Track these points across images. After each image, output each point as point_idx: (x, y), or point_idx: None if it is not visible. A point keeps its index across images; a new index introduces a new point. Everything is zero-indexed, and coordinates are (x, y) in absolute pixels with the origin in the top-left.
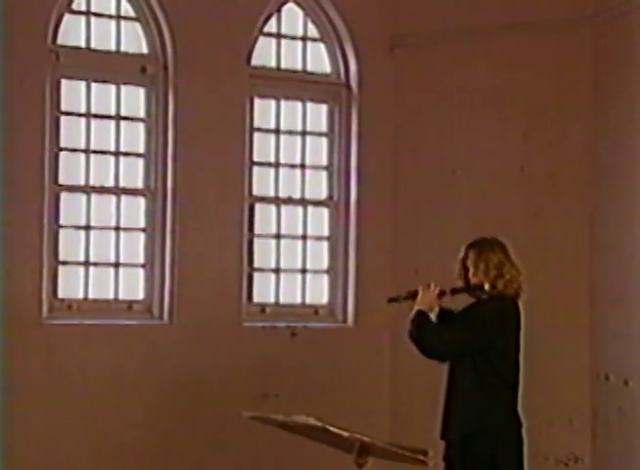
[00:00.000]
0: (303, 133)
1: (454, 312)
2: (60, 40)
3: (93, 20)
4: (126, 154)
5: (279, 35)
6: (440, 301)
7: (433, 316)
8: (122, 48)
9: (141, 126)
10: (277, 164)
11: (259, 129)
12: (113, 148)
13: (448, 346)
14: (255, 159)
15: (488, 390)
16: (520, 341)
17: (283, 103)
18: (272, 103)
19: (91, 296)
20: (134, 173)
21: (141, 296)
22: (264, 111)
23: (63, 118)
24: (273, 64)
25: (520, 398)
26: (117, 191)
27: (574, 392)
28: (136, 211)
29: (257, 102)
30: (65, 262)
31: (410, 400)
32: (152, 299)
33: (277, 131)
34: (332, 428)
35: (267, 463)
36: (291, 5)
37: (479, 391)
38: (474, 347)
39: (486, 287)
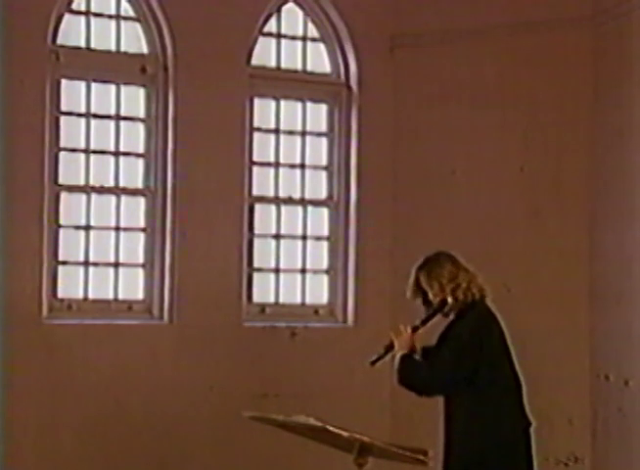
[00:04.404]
0: (303, 133)
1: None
2: (60, 40)
3: (93, 20)
4: (126, 154)
5: (279, 35)
6: (416, 335)
7: (417, 357)
8: (122, 48)
9: (141, 126)
10: (277, 164)
11: (259, 129)
12: (112, 148)
13: (440, 373)
14: (255, 159)
15: (490, 406)
16: (506, 339)
17: (283, 103)
18: (272, 103)
19: (91, 296)
20: (134, 173)
21: (141, 296)
22: (264, 111)
23: (63, 118)
24: (273, 64)
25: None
26: (117, 191)
27: (574, 392)
28: (136, 211)
29: (257, 102)
30: (64, 262)
31: (410, 401)
32: (152, 299)
33: (277, 131)
34: (332, 428)
35: (267, 463)
36: (291, 5)
37: (478, 413)
38: (466, 367)
39: (449, 301)
